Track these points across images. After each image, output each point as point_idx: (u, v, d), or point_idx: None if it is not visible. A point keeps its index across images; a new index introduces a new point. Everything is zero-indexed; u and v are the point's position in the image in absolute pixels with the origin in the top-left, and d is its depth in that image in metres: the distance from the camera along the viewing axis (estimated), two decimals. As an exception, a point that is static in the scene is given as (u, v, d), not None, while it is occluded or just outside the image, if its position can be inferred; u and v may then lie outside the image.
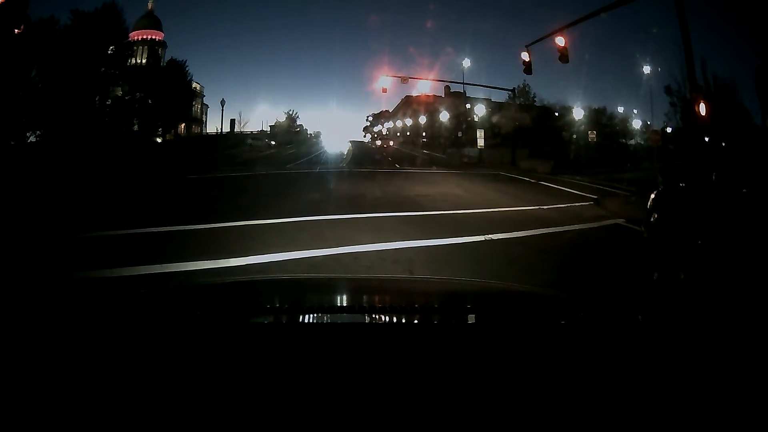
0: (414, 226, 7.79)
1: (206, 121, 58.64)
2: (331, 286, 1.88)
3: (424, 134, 56.06)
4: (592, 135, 29.81)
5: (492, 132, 33.05)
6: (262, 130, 51.43)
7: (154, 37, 54.25)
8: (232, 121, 43.49)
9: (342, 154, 38.55)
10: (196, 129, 55.68)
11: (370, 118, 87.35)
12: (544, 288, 2.22)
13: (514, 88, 31.41)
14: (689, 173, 5.91)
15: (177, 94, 39.39)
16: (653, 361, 0.97)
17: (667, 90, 30.41)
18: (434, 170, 23.73)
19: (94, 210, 9.25)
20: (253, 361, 0.91)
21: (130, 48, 39.10)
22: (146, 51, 47.96)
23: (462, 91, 46.65)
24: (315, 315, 1.26)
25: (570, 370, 0.91)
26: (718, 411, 0.81)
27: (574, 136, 31.32)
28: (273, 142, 47.38)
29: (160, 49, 50.72)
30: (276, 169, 21.31)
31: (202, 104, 58.78)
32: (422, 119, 55.60)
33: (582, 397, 0.84)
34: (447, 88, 47.95)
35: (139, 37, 52.64)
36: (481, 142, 29.21)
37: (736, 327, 1.17)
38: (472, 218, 8.84)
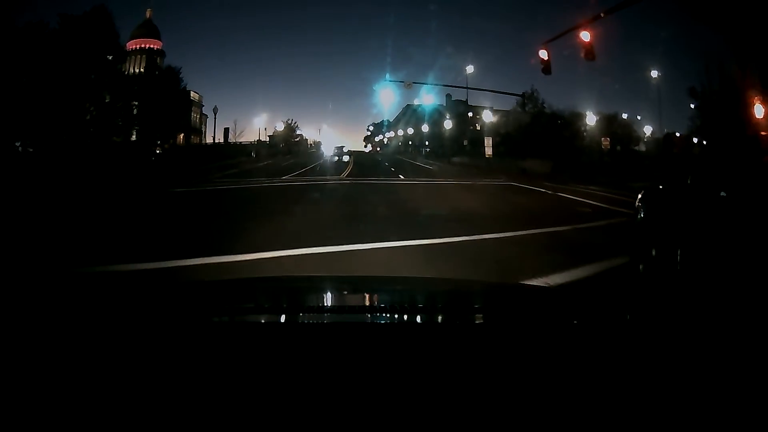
0: (436, 259, 6.06)
1: (205, 131, 58.15)
2: (331, 286, 1.86)
3: (426, 143, 54.62)
4: (605, 142, 28.39)
5: (501, 140, 31.47)
6: (259, 140, 50.51)
7: (152, 45, 54.09)
8: (226, 130, 41.92)
9: (342, 164, 37.04)
10: (195, 139, 55.19)
11: (371, 128, 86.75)
12: (542, 287, 2.41)
13: (523, 92, 29.88)
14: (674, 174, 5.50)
15: (171, 102, 37.97)
16: (640, 359, 0.97)
17: (692, 92, 28.43)
18: (441, 181, 22.06)
19: (50, 234, 7.58)
20: (254, 361, 0.90)
21: (122, 52, 37.71)
22: (144, 60, 47.24)
23: (466, 98, 45.45)
24: (315, 315, 1.25)
25: (558, 369, 0.90)
26: (707, 409, 0.81)
27: (587, 144, 29.71)
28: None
29: (158, 58, 50.32)
30: (271, 182, 19.81)
31: (201, 114, 58.13)
32: (425, 128, 54.14)
33: (571, 396, 0.83)
34: (449, 96, 46.76)
35: (137, 46, 52.34)
36: (489, 151, 27.60)
37: (716, 323, 1.18)
38: (504, 245, 7.08)
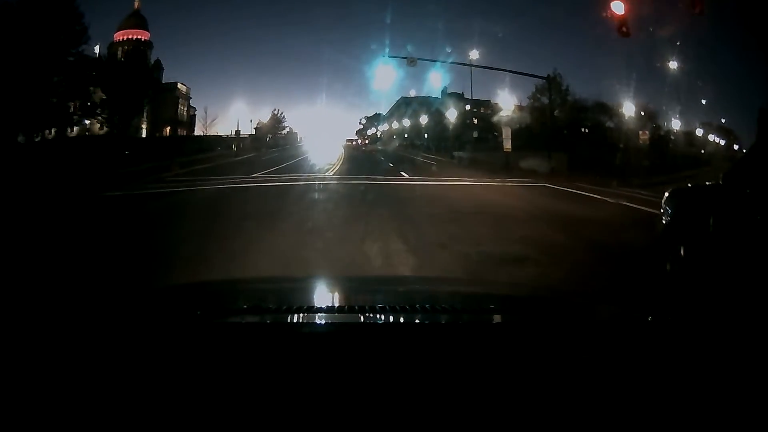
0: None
1: (193, 124, 54.29)
2: (333, 286, 1.83)
3: (425, 136, 50.11)
4: (643, 136, 24.13)
5: (522, 132, 27.05)
6: (238, 131, 46.35)
7: (139, 36, 50.65)
8: (192, 118, 36.78)
9: (331, 158, 32.68)
10: (182, 131, 52.15)
11: (363, 121, 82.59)
12: (553, 288, 2.27)
13: (547, 75, 25.45)
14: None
15: (132, 82, 33.14)
16: (661, 362, 0.94)
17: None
18: (456, 181, 17.31)
19: None
20: (255, 362, 0.88)
21: (84, 34, 33.09)
22: (131, 51, 44.19)
23: (462, 92, 41.38)
24: (316, 315, 1.22)
25: (576, 372, 0.88)
26: (727, 411, 0.79)
27: (624, 138, 25.37)
28: None
29: (146, 50, 47.20)
30: (234, 182, 15.34)
31: (189, 107, 54.52)
32: (423, 119, 49.61)
33: (590, 398, 0.81)
34: (444, 89, 42.34)
35: (124, 37, 49.50)
36: (507, 144, 23.17)
37: (739, 326, 1.13)
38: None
